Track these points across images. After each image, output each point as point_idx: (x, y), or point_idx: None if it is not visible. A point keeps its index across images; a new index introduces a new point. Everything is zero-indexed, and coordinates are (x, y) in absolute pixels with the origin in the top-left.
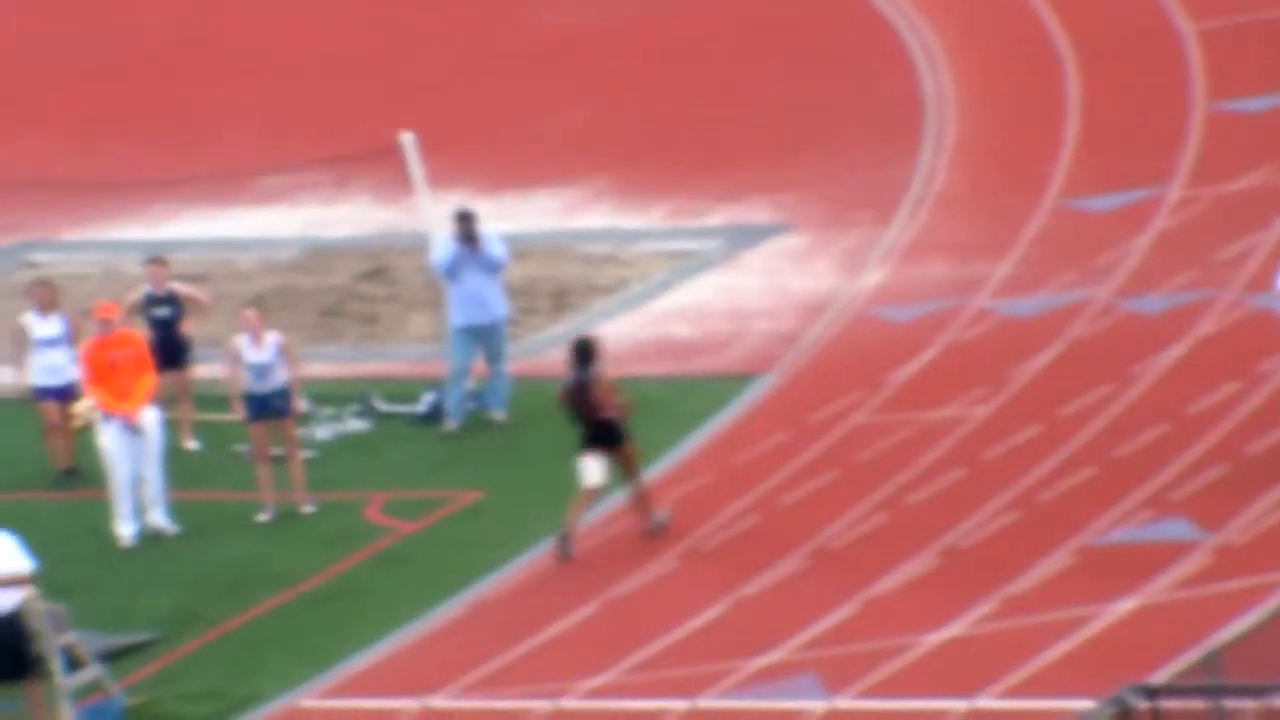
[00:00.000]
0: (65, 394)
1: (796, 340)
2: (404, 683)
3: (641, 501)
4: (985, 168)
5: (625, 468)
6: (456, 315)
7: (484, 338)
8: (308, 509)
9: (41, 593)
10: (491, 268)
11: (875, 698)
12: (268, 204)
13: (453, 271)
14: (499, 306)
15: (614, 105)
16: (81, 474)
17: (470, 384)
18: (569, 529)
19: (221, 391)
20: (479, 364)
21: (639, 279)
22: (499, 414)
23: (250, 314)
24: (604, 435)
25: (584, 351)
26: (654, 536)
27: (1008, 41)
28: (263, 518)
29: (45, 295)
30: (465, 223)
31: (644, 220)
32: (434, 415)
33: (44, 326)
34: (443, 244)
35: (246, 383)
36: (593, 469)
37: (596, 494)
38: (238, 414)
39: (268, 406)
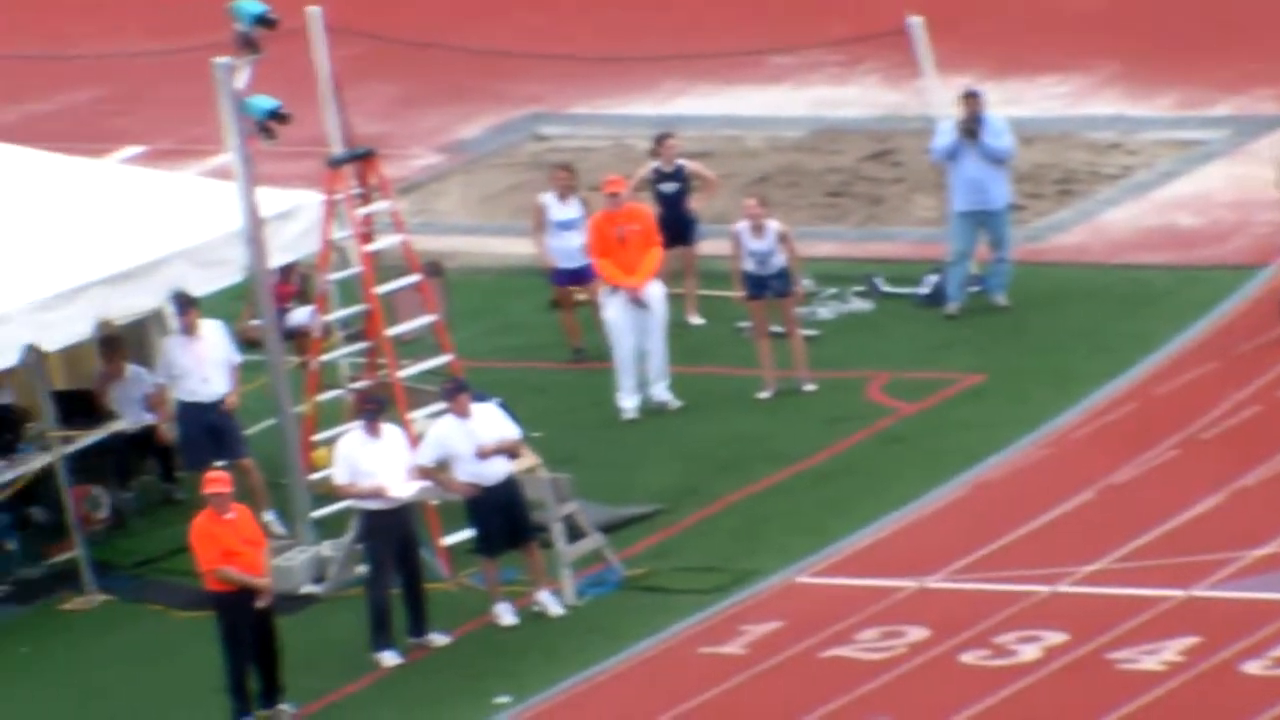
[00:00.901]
0: (580, 277)
1: None
2: (901, 563)
3: None
4: None
5: None
6: (955, 200)
7: (983, 223)
8: (809, 387)
9: (546, 463)
10: (990, 156)
11: None
12: (777, 83)
13: (950, 158)
14: (998, 194)
15: None
16: (589, 354)
17: (973, 268)
18: None
19: (725, 269)
20: (982, 248)
21: (1144, 167)
22: (1000, 298)
23: (751, 203)
24: None
25: None
26: None
27: None
28: (764, 395)
29: (565, 179)
30: (971, 102)
31: (1151, 108)
32: (936, 297)
33: (562, 210)
34: (944, 131)
35: (746, 265)
36: None
37: None
38: (739, 293)
39: (766, 286)
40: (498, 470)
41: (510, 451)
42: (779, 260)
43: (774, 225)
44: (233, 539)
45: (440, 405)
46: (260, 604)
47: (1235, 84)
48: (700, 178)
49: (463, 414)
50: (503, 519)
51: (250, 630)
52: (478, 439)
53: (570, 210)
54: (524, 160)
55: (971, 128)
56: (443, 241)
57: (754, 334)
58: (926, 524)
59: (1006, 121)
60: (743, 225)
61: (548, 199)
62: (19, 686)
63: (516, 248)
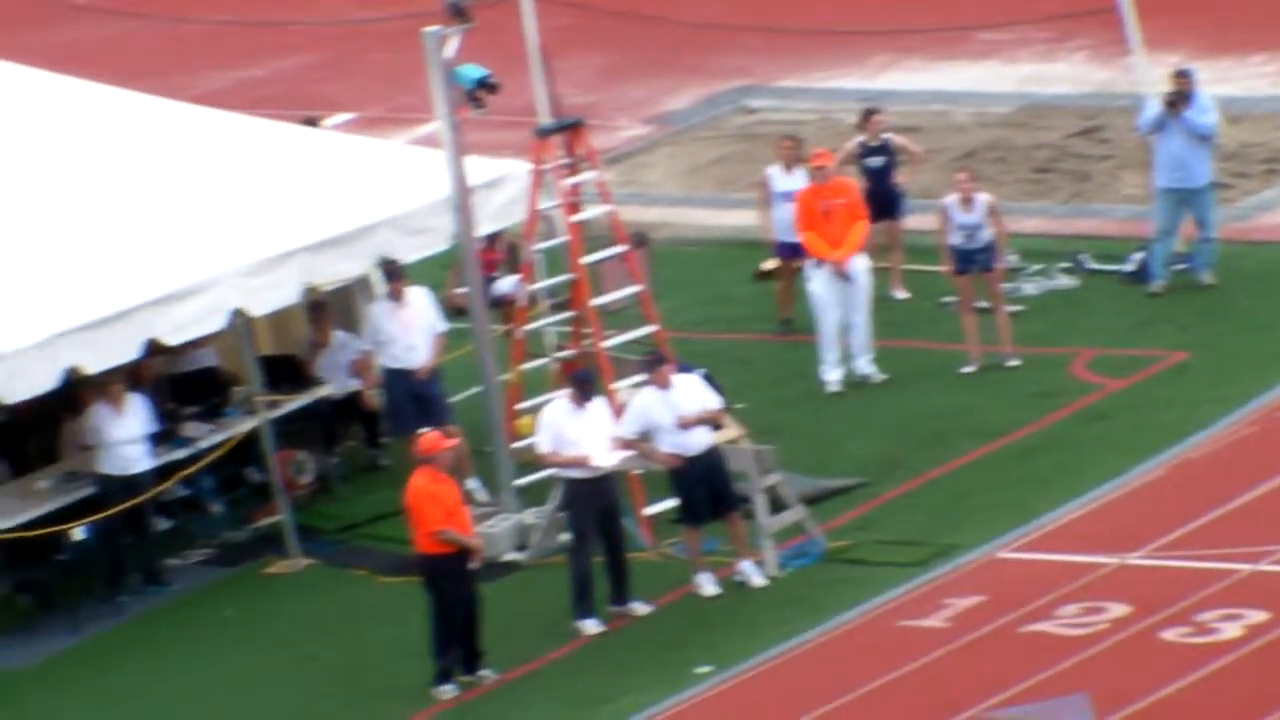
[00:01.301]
0: (799, 250)
1: None
2: (1102, 539)
3: None
4: None
5: None
6: (1158, 176)
7: (1186, 201)
8: (1013, 362)
9: (749, 434)
10: (1195, 132)
11: None
12: (985, 58)
13: (1155, 131)
14: (1201, 173)
15: None
16: (795, 327)
17: (1179, 245)
18: None
19: (931, 243)
20: (1189, 227)
21: None
22: (1206, 277)
23: (962, 177)
24: None
25: None
26: None
27: None
28: (967, 369)
29: (791, 149)
30: (1180, 80)
31: None
32: (1142, 274)
33: (786, 181)
34: (1152, 105)
35: (953, 239)
36: None
37: None
38: (946, 267)
39: (973, 261)
40: (700, 441)
41: (713, 422)
42: (986, 234)
43: (983, 198)
44: (453, 499)
45: (643, 376)
46: (473, 565)
47: None
48: (906, 152)
49: (663, 386)
50: (705, 489)
51: (462, 594)
52: (680, 410)
53: (795, 181)
54: (731, 132)
55: (1175, 101)
56: (649, 212)
57: (959, 308)
58: (1128, 501)
59: (1213, 100)
60: (952, 199)
61: (773, 171)
62: (223, 648)
63: (723, 219)
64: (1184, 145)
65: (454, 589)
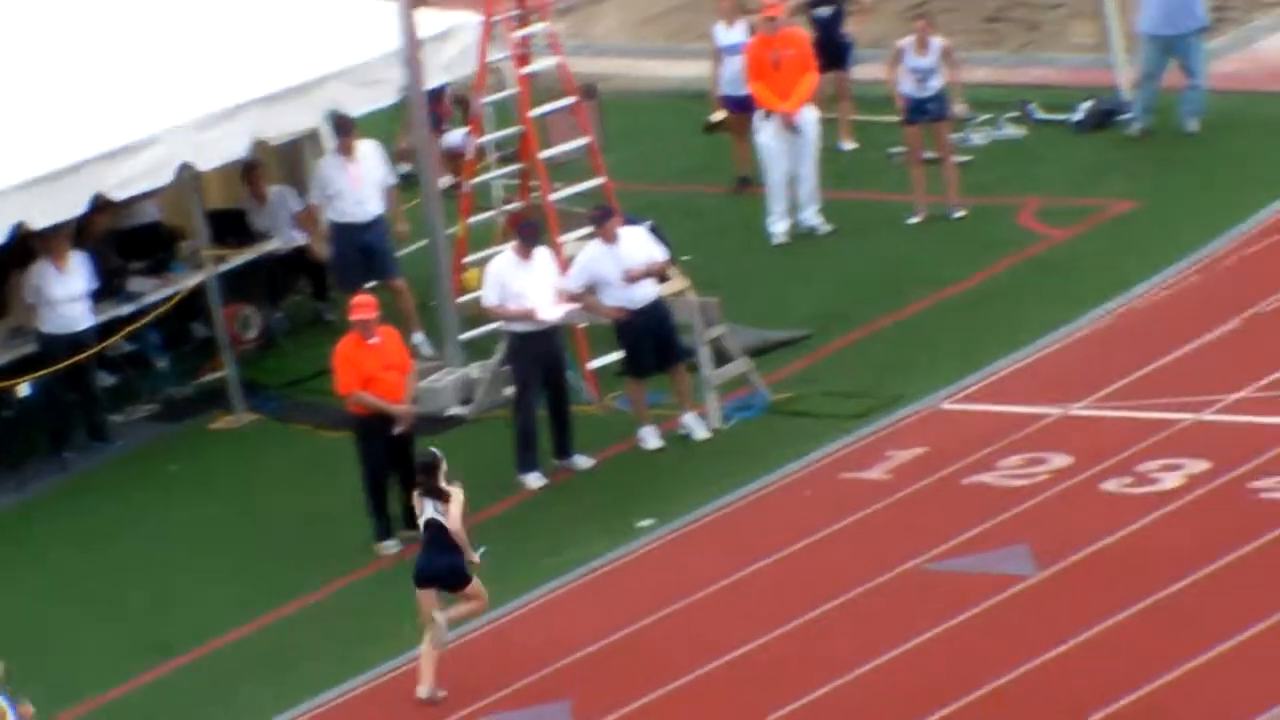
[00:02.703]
0: (747, 104)
1: None
2: (1045, 390)
3: None
4: None
5: None
6: (1144, 21)
7: (1172, 48)
8: (959, 213)
9: (695, 286)
10: None
11: None
12: None
13: None
14: (1187, 19)
15: None
16: (754, 183)
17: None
18: None
19: (880, 93)
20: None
21: None
22: (1191, 124)
23: (922, 23)
24: None
25: None
26: None
27: None
28: (914, 220)
29: (727, 4)
30: None
31: None
32: (1088, 124)
33: (727, 34)
34: None
35: (904, 85)
36: None
37: None
38: (896, 114)
39: (924, 110)
40: (646, 293)
41: (658, 274)
42: (937, 82)
43: (938, 42)
44: (374, 364)
45: (590, 229)
46: (397, 430)
47: None
48: (856, 2)
49: (610, 240)
50: (650, 342)
51: (388, 453)
52: (626, 263)
53: (737, 35)
54: None
55: None
56: (598, 64)
57: (907, 159)
58: (1071, 351)
59: None
60: (907, 41)
61: (717, 26)
62: (169, 503)
63: (673, 70)
64: None
65: (378, 449)
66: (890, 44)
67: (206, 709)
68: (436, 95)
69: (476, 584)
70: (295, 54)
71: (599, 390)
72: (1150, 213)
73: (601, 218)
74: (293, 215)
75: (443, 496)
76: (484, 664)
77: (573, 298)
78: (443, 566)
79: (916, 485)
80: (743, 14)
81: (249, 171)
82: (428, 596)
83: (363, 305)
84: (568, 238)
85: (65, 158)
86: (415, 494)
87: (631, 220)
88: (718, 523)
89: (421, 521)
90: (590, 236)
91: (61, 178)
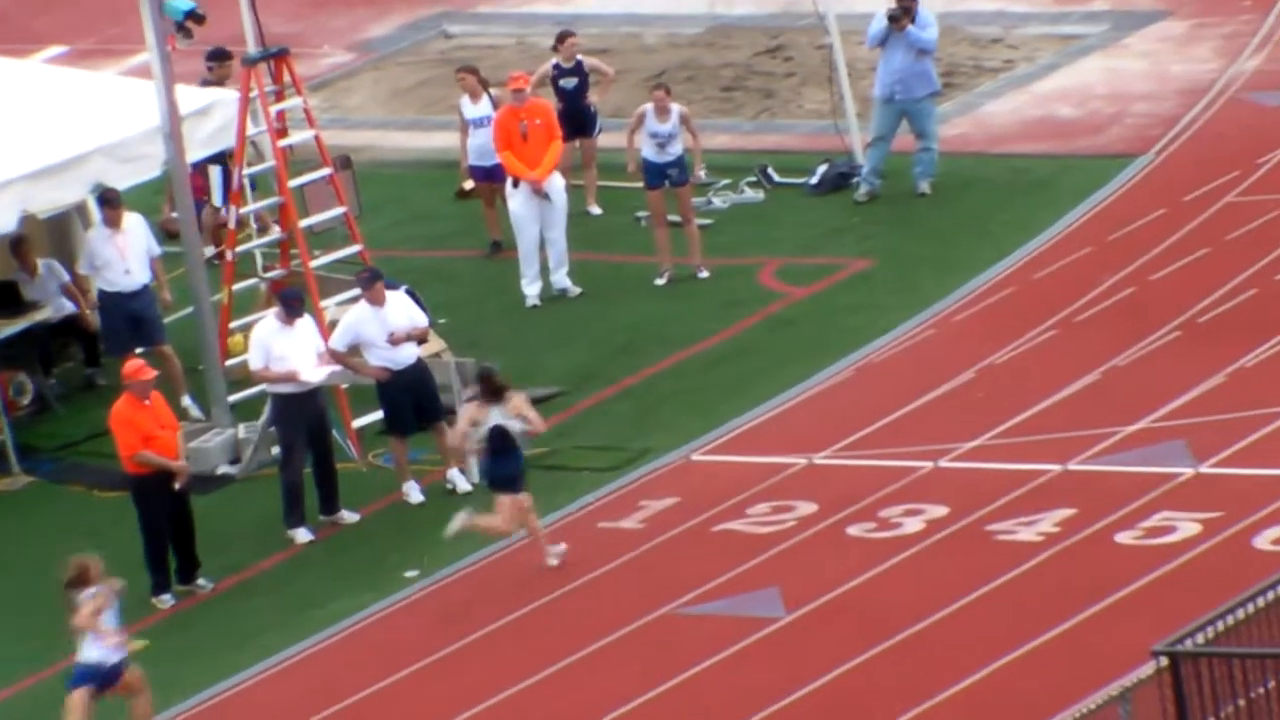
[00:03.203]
0: (494, 174)
1: (1174, 123)
2: (790, 441)
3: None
4: None
5: None
6: (879, 87)
7: (906, 112)
8: (703, 274)
9: (452, 347)
10: (917, 47)
11: (1242, 466)
12: None
13: (879, 46)
14: (921, 85)
15: None
16: (506, 247)
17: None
18: None
19: (624, 160)
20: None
21: (1025, 60)
22: (923, 186)
23: (660, 94)
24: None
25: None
26: None
27: None
28: (660, 281)
29: (467, 82)
30: None
31: (1032, 4)
32: (824, 187)
33: (473, 109)
34: (878, 21)
35: (645, 150)
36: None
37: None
38: (631, 169)
39: (664, 176)
40: (407, 355)
41: (420, 337)
42: (677, 148)
43: (678, 108)
44: (151, 424)
45: (352, 293)
46: (177, 485)
47: None
48: (598, 72)
49: (378, 302)
50: (411, 401)
51: (167, 510)
52: (389, 325)
53: (482, 109)
54: (432, 58)
55: (898, 16)
56: (353, 136)
57: (651, 222)
58: (814, 403)
59: (934, 15)
60: (647, 107)
61: (463, 101)
62: None
63: (424, 141)
64: (905, 59)
65: (158, 507)
66: (631, 113)
67: None
68: (198, 168)
69: (506, 505)
70: (61, 130)
71: (362, 448)
72: (886, 271)
73: (369, 280)
74: (62, 286)
75: (505, 399)
76: None
77: (337, 358)
78: (514, 469)
79: (670, 533)
80: (484, 90)
81: (18, 245)
82: (507, 503)
83: (140, 369)
84: (328, 303)
85: None
86: (474, 405)
87: (390, 285)
88: (480, 573)
89: (486, 431)
90: (354, 299)
91: None
